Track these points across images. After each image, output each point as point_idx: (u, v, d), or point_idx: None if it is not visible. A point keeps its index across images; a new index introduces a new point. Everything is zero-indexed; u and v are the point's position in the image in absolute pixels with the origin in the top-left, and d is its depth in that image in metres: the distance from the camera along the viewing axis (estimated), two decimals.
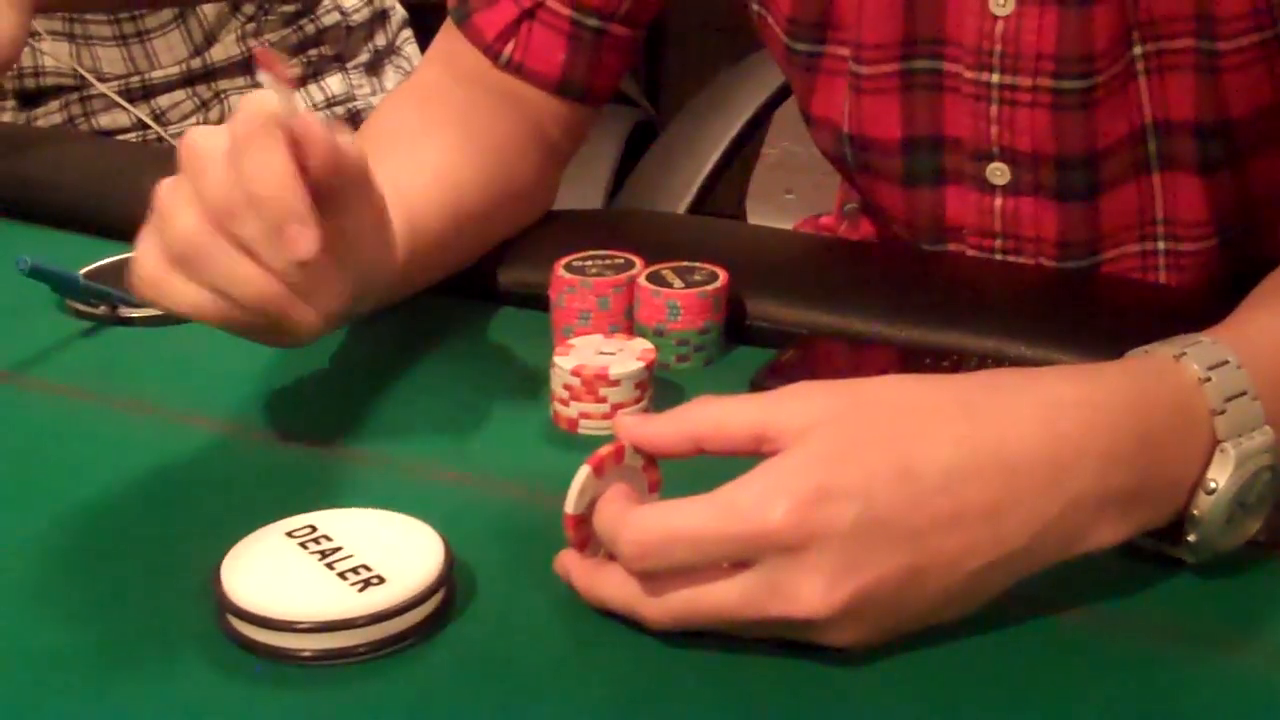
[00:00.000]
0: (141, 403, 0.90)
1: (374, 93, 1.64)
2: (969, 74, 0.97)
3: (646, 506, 0.67)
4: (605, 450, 0.70)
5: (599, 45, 1.06)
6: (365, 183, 0.78)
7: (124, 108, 1.54)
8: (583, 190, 1.17)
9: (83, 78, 1.54)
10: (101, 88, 1.52)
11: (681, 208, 1.30)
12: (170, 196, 0.75)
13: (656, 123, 1.54)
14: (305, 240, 0.72)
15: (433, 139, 0.99)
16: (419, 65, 1.12)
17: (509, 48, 1.06)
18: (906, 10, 0.98)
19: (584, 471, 0.69)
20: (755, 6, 1.07)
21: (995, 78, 0.96)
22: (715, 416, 0.69)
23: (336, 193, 0.76)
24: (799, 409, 0.67)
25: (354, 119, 1.59)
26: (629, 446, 0.71)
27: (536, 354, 0.93)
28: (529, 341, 0.96)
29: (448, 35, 1.10)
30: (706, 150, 1.35)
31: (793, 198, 1.49)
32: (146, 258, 0.75)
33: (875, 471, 0.64)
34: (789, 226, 1.28)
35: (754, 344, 0.95)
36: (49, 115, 1.56)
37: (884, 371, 0.86)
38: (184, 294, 0.75)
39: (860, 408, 0.67)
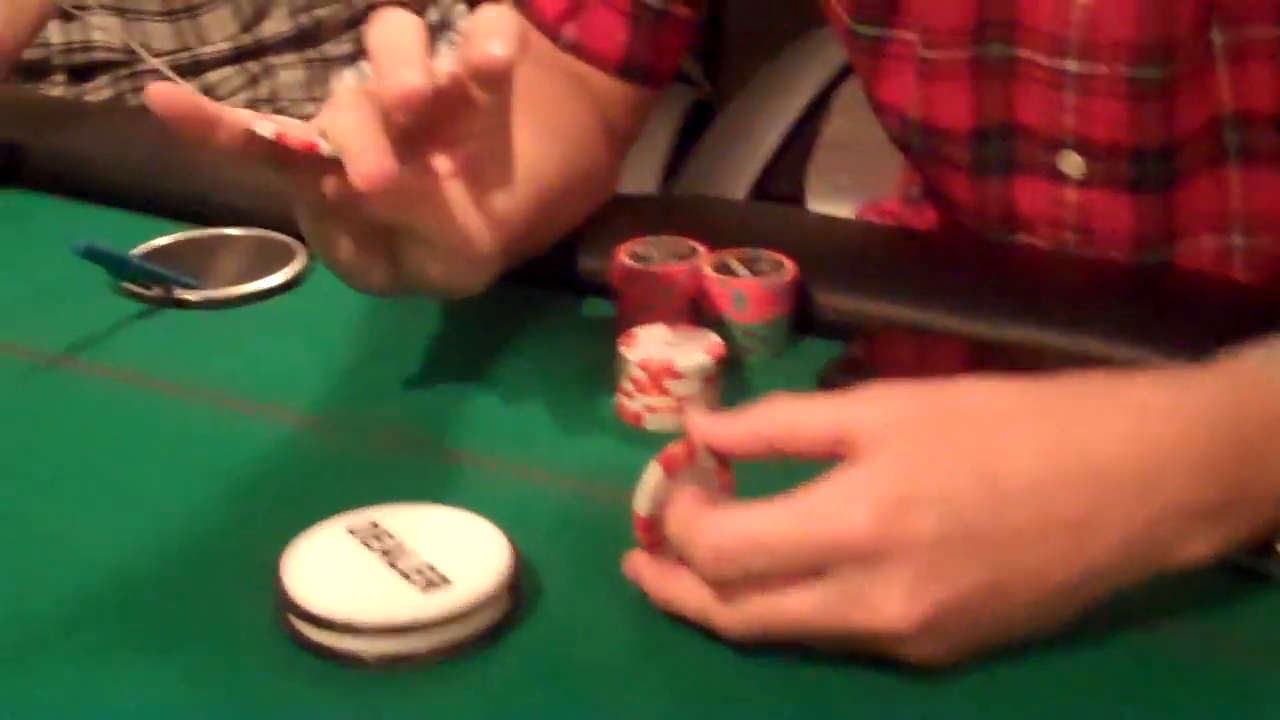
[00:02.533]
0: (197, 389, 0.89)
1: None
2: (1044, 61, 0.95)
3: (721, 511, 0.65)
4: (677, 449, 0.68)
5: (660, 26, 1.04)
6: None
7: (174, 82, 1.52)
8: (638, 172, 1.15)
9: (132, 53, 1.53)
10: (155, 62, 1.50)
11: (741, 191, 1.27)
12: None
13: (715, 101, 1.51)
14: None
15: (515, 122, 0.96)
16: None
17: (570, 28, 1.04)
18: None
19: (655, 471, 0.67)
20: None
21: (1072, 65, 0.93)
22: (790, 418, 0.67)
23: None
24: (878, 412, 0.65)
25: None
26: (701, 446, 0.68)
27: (599, 343, 0.91)
28: (591, 329, 0.94)
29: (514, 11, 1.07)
30: (767, 131, 1.32)
31: (850, 178, 1.46)
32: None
33: (958, 480, 0.62)
34: (849, 209, 1.25)
35: (821, 336, 0.93)
36: (98, 91, 1.54)
37: (955, 367, 0.84)
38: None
39: (942, 412, 0.65)
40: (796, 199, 1.51)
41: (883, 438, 0.64)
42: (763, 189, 1.33)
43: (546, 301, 0.98)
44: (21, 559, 0.74)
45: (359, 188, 0.70)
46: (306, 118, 1.50)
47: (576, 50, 1.04)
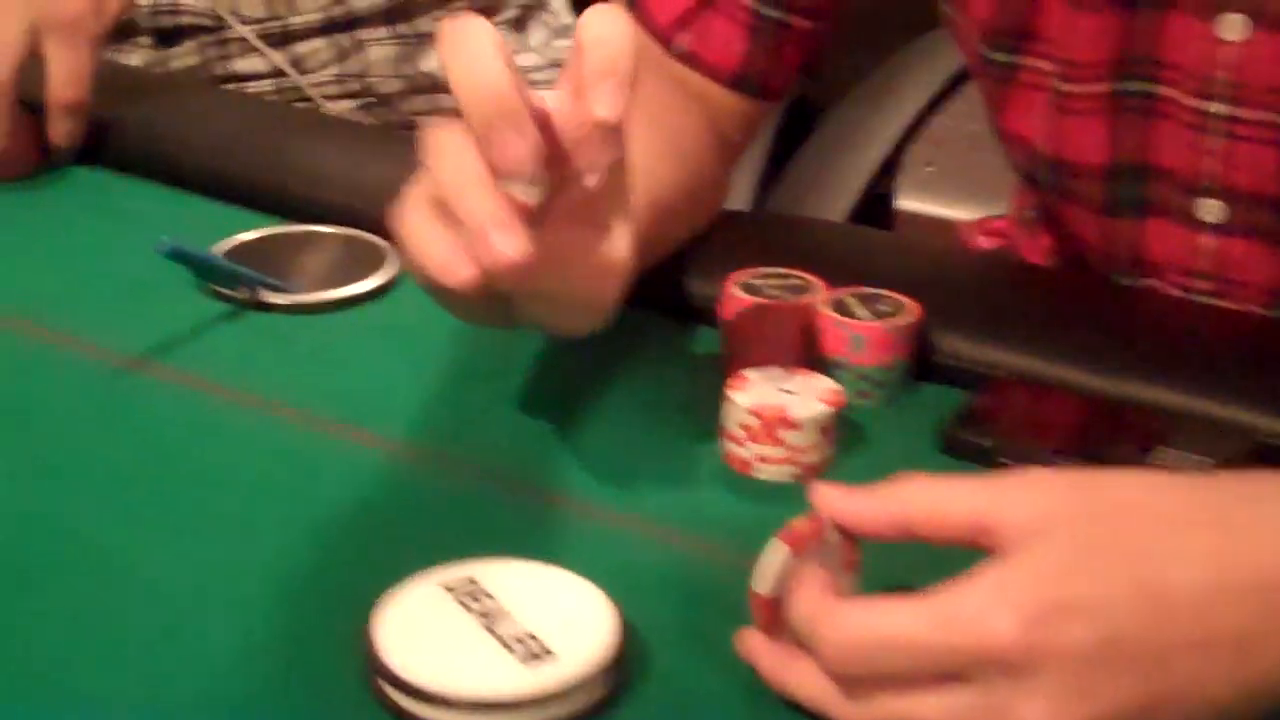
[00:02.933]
0: (281, 403, 0.85)
1: (519, 50, 1.57)
2: (1188, 101, 0.89)
3: (851, 604, 0.60)
4: (803, 527, 0.63)
5: (780, 38, 0.99)
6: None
7: (262, 52, 1.48)
8: (734, 177, 1.09)
9: (220, 19, 1.48)
10: (242, 30, 1.45)
11: (847, 203, 1.22)
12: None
13: (816, 100, 1.45)
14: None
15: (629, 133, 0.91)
16: None
17: (683, 37, 0.99)
18: (1123, 27, 0.90)
19: (779, 549, 0.63)
20: (945, 6, 0.99)
21: (1218, 108, 0.88)
22: (930, 501, 0.62)
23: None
24: (1029, 503, 0.60)
25: None
26: (829, 523, 0.64)
27: (705, 377, 0.87)
28: (695, 361, 0.90)
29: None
30: (875, 140, 1.27)
31: (933, 170, 1.41)
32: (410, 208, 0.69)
33: (1116, 587, 0.57)
34: (934, 203, 1.20)
35: (939, 381, 0.88)
36: (184, 56, 1.50)
37: (1084, 426, 0.79)
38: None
39: (1099, 508, 0.60)
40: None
41: (1033, 533, 0.59)
42: (870, 201, 1.28)
43: (647, 325, 0.94)
44: (88, 586, 0.71)
45: (497, 269, 0.64)
46: (391, 95, 1.47)
47: (690, 60, 0.99)
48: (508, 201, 0.64)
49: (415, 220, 0.68)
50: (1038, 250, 1.14)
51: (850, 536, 0.65)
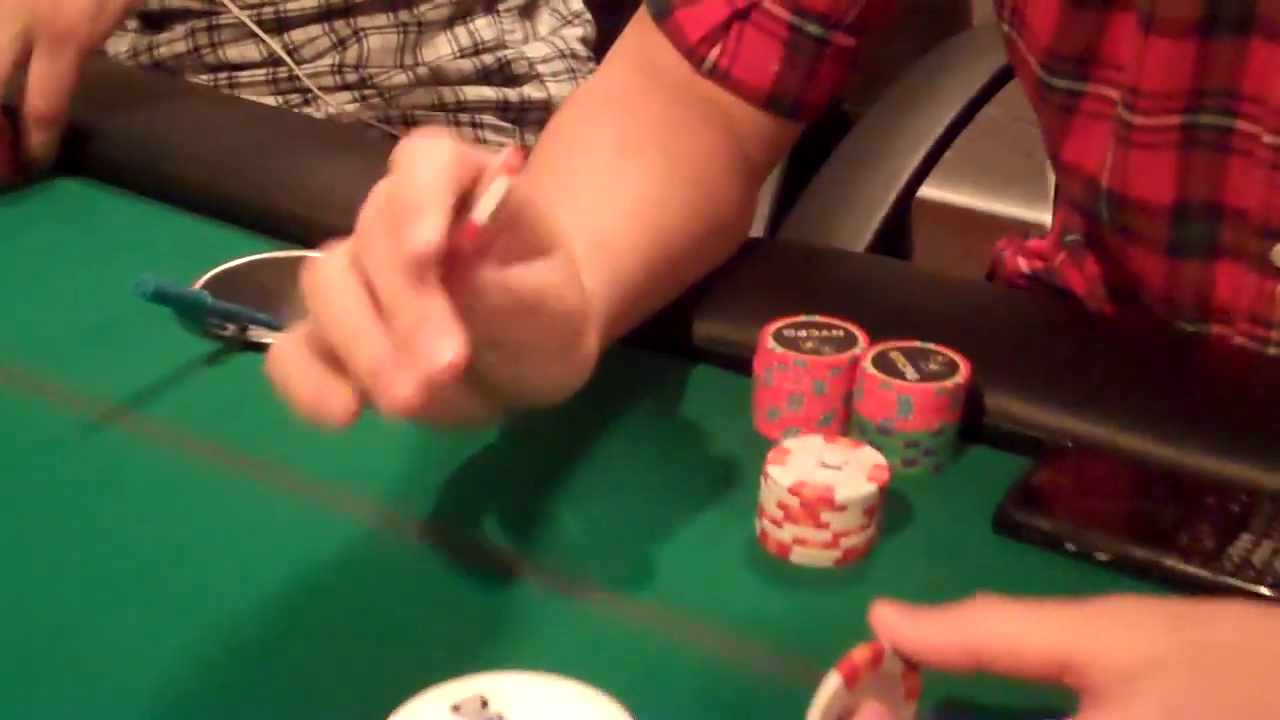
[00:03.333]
0: (271, 464, 0.77)
1: (526, 39, 1.48)
2: (1267, 138, 0.81)
3: None
4: (861, 656, 0.56)
5: (818, 55, 0.91)
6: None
7: (260, 38, 1.39)
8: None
9: (212, 3, 1.39)
10: (237, 12, 1.37)
11: (878, 215, 1.14)
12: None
13: (843, 104, 1.37)
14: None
15: (633, 165, 0.84)
16: (607, 61, 0.96)
17: (715, 52, 0.91)
18: (1200, 55, 0.81)
19: (833, 682, 0.56)
20: (1005, 27, 0.91)
21: None
22: (1007, 632, 0.55)
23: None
24: (1121, 643, 0.53)
25: (502, 69, 1.44)
26: (890, 649, 0.56)
27: (735, 436, 0.80)
28: (725, 417, 0.82)
29: (642, 30, 0.94)
30: (908, 148, 1.19)
31: (948, 155, 1.32)
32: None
33: None
34: (955, 196, 1.12)
35: (989, 444, 0.80)
36: (173, 42, 1.42)
37: (1155, 506, 0.72)
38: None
39: (1200, 651, 0.53)
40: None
41: (1126, 678, 0.52)
42: (903, 209, 1.20)
43: (669, 372, 0.86)
44: (46, 680, 0.63)
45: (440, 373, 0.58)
46: (394, 89, 1.39)
47: (720, 76, 0.91)
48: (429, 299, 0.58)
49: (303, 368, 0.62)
50: (1083, 280, 1.06)
51: (913, 664, 0.57)
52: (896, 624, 0.57)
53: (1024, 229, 2.41)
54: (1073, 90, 0.88)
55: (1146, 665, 0.53)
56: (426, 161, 0.60)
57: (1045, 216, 2.43)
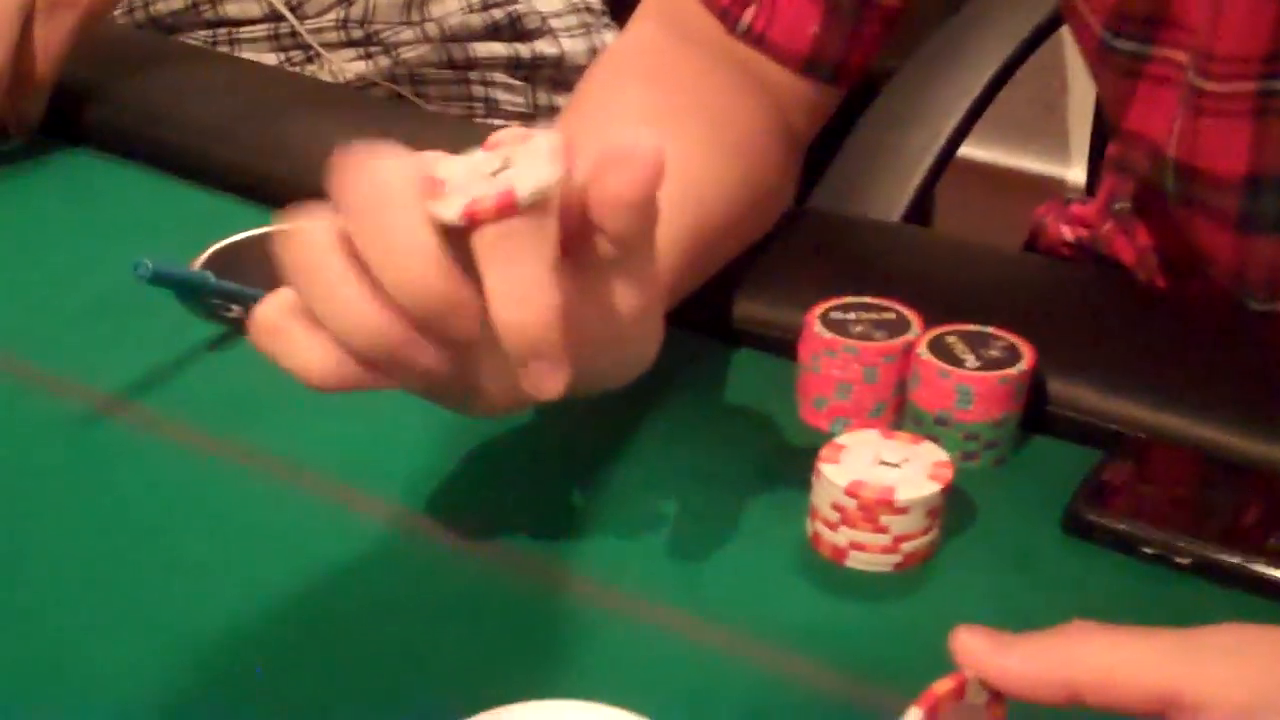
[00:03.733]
0: (277, 458, 0.72)
1: None
2: None
3: None
4: (943, 688, 0.51)
5: (860, 16, 0.85)
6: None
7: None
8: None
9: None
10: None
11: (915, 180, 1.08)
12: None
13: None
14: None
15: (672, 135, 0.77)
16: (635, 20, 0.90)
17: (750, 14, 0.85)
18: (1278, 15, 0.75)
19: (913, 718, 0.50)
20: None
21: None
22: (1106, 663, 0.50)
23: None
24: (1233, 678, 0.48)
25: (513, 24, 1.37)
26: (974, 680, 0.51)
27: (779, 427, 0.75)
28: (768, 405, 0.76)
29: None
30: (946, 109, 1.12)
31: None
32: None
33: None
34: (984, 153, 1.06)
35: (1053, 434, 0.74)
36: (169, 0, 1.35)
37: (1239, 505, 0.67)
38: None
39: None
40: None
41: (1248, 715, 0.46)
42: (938, 178, 1.14)
43: (708, 355, 0.80)
44: (45, 682, 0.58)
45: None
46: (400, 45, 1.32)
47: (755, 40, 0.85)
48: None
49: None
50: (1132, 250, 1.00)
51: (999, 695, 0.52)
52: (983, 654, 0.51)
53: (1046, 185, 2.36)
54: (1138, 54, 0.82)
55: (1260, 703, 0.47)
56: (534, 287, 0.56)
57: (1065, 172, 2.38)
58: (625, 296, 0.60)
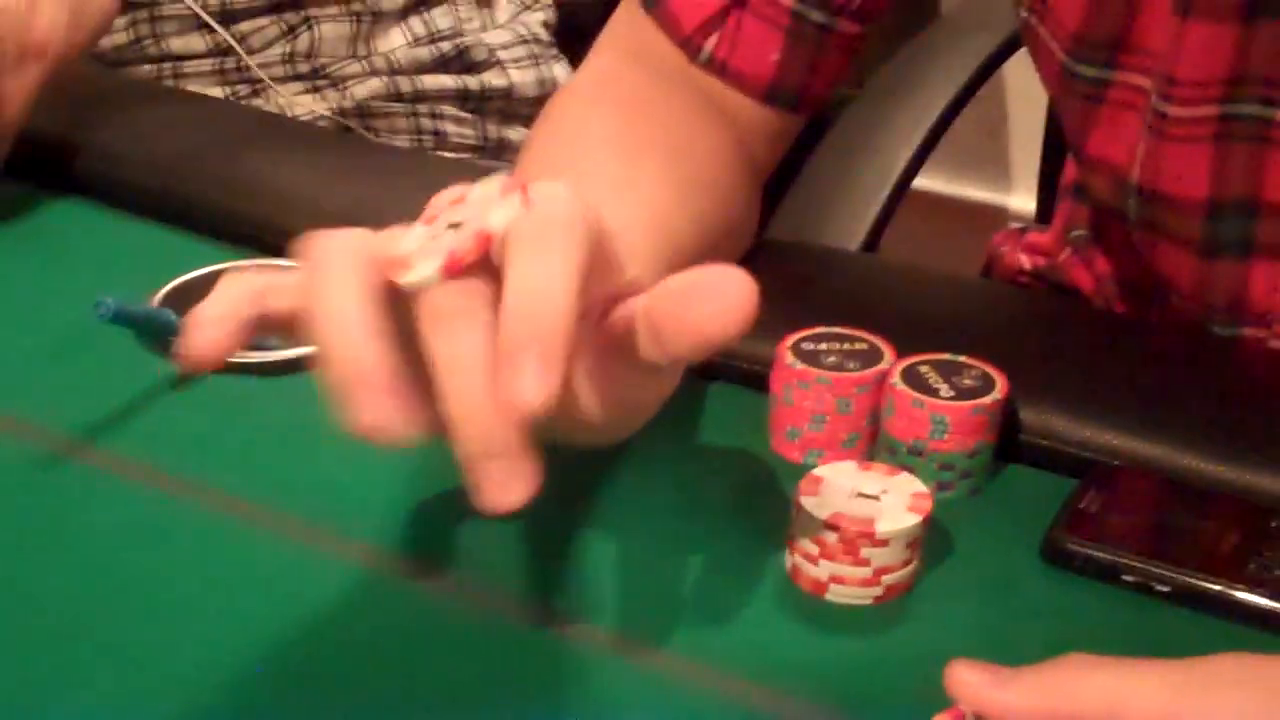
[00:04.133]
0: (250, 503, 0.71)
1: (483, 27, 1.42)
2: None
3: None
4: None
5: (822, 44, 0.85)
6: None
7: (206, 27, 1.31)
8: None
9: None
10: (190, 4, 1.29)
11: (873, 210, 1.08)
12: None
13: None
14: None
15: (640, 171, 0.76)
16: (595, 52, 0.90)
17: (711, 42, 0.85)
18: (1240, 40, 0.76)
19: None
20: (1024, 13, 0.85)
21: None
22: (1106, 696, 0.50)
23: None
24: (1237, 710, 0.49)
25: (461, 56, 1.37)
26: (971, 716, 0.50)
27: (753, 459, 0.74)
28: (740, 438, 0.76)
29: (631, 18, 0.88)
30: (900, 140, 1.12)
31: None
32: None
33: None
34: (938, 185, 1.06)
35: (1026, 463, 0.74)
36: (114, 34, 1.34)
37: (1218, 531, 0.67)
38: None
39: None
40: None
41: None
42: (895, 206, 1.14)
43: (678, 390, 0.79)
44: None
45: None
46: (348, 79, 1.31)
47: (720, 70, 0.85)
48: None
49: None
50: (1091, 277, 1.00)
51: None
52: (981, 689, 0.51)
53: (989, 213, 2.37)
54: (1101, 79, 0.82)
55: None
56: (557, 277, 0.52)
57: (1008, 200, 2.38)
58: (648, 388, 0.58)
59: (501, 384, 0.50)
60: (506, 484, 0.51)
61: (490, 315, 0.51)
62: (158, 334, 0.78)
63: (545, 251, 0.52)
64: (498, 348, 0.51)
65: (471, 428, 0.51)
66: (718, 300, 0.52)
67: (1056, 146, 1.06)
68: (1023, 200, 2.30)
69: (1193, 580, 0.66)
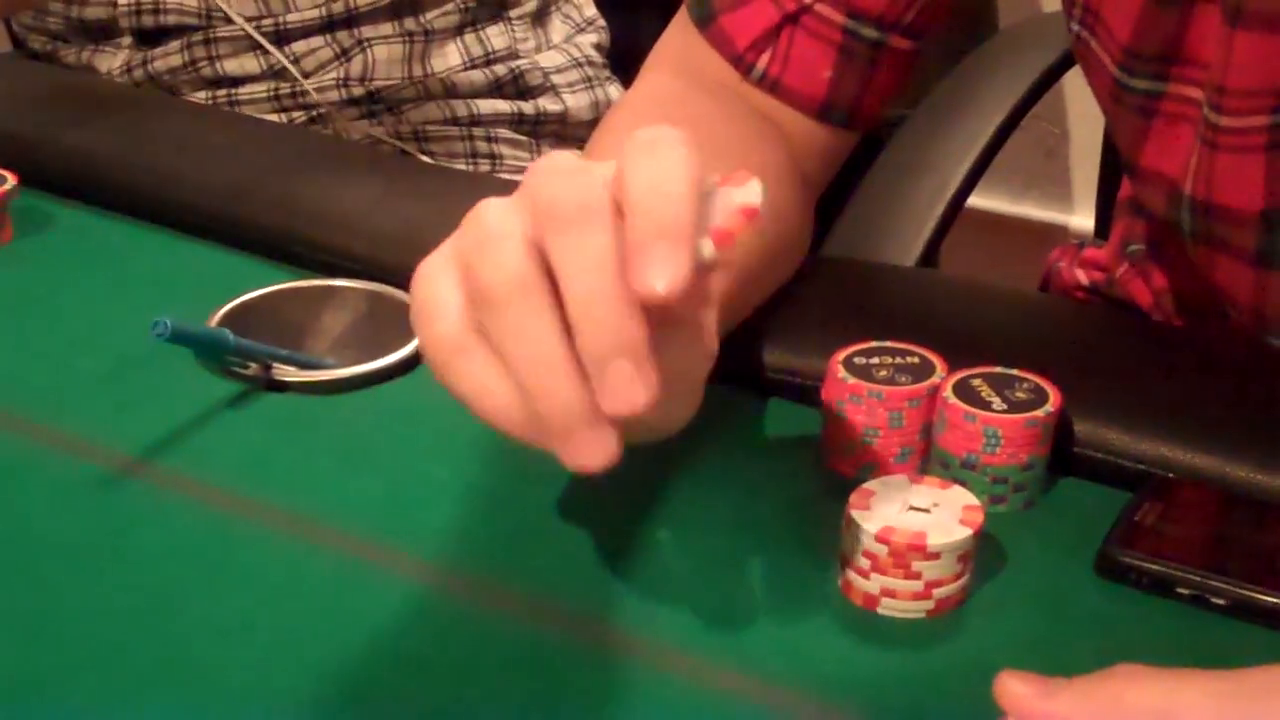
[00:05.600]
0: (303, 518, 0.71)
1: (539, 47, 1.42)
2: None
3: None
4: None
5: (874, 60, 0.85)
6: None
7: (260, 48, 1.32)
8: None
9: (208, 15, 1.33)
10: (242, 23, 1.31)
11: (927, 228, 1.08)
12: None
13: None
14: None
15: None
16: (648, 69, 0.90)
17: (764, 59, 0.85)
18: None
19: None
20: (1075, 26, 0.85)
21: None
22: (1155, 707, 0.50)
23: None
24: None
25: (516, 81, 1.37)
26: None
27: (805, 474, 0.74)
28: (793, 452, 0.76)
29: (684, 35, 0.88)
30: (954, 157, 1.12)
31: None
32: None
33: None
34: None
35: (1080, 476, 0.74)
36: (168, 56, 1.35)
37: (1276, 540, 0.66)
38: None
39: None
40: None
41: None
42: (948, 227, 1.14)
43: (731, 404, 0.79)
44: None
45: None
46: (403, 104, 1.32)
47: (772, 87, 0.85)
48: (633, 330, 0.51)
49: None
50: (1149, 291, 1.00)
51: None
52: (1030, 699, 0.50)
53: (1049, 232, 2.36)
54: (1152, 91, 0.82)
55: None
56: (675, 172, 0.53)
57: (1067, 219, 2.37)
58: (688, 354, 0.58)
59: (633, 276, 0.51)
60: (630, 388, 0.51)
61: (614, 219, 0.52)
62: (215, 354, 0.79)
63: (662, 152, 0.53)
64: (625, 243, 0.51)
65: (602, 324, 0.51)
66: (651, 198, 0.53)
67: (1114, 162, 1.06)
68: (1084, 219, 2.29)
69: (1248, 593, 0.65)
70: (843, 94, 0.85)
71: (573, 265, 0.52)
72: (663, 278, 0.51)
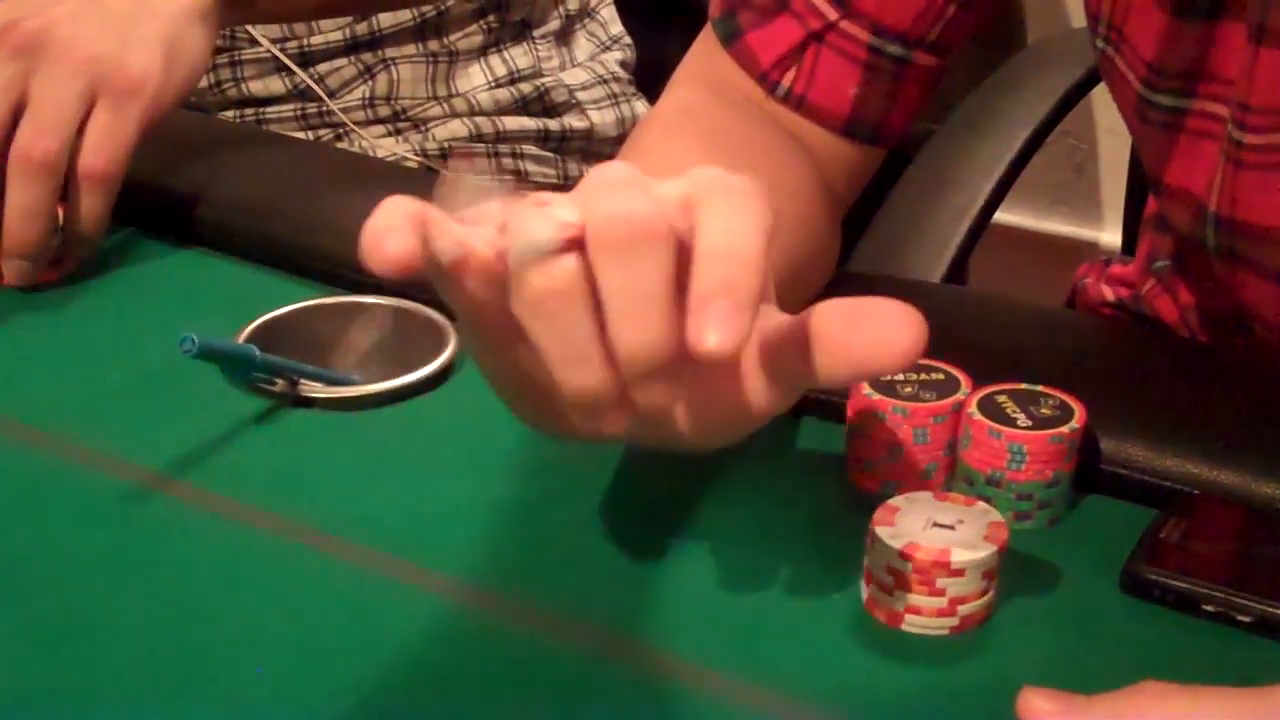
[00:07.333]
0: (331, 535, 0.71)
1: (563, 66, 1.43)
2: None
3: None
4: None
5: (900, 77, 0.85)
6: None
7: (285, 69, 1.33)
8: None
9: (233, 37, 1.34)
10: (268, 45, 1.31)
11: (953, 244, 1.08)
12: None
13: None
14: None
15: None
16: (675, 85, 0.90)
17: (789, 77, 0.85)
18: None
19: None
20: (1100, 43, 0.85)
21: None
22: None
23: None
24: None
25: (541, 98, 1.38)
26: None
27: (829, 490, 0.74)
28: (816, 468, 0.76)
29: (709, 52, 0.88)
30: (980, 174, 1.12)
31: None
32: None
33: None
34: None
35: (1105, 493, 0.74)
36: None
37: None
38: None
39: None
40: None
41: None
42: (973, 245, 1.14)
43: None
44: None
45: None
46: (429, 121, 1.33)
47: (798, 104, 0.85)
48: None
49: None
50: (1175, 308, 1.00)
51: None
52: (1054, 716, 0.50)
53: (1078, 248, 2.36)
54: (1177, 108, 0.82)
55: None
56: (752, 228, 0.53)
57: (1096, 235, 2.37)
58: (756, 402, 0.58)
59: (690, 328, 0.51)
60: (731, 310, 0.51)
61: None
62: (242, 370, 0.79)
63: (741, 205, 0.53)
64: (690, 293, 0.51)
65: (645, 358, 0.52)
66: (887, 329, 0.52)
67: (1142, 178, 1.06)
68: (1113, 235, 2.29)
69: (1274, 610, 0.65)
70: (868, 110, 0.85)
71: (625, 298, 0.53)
72: (717, 334, 0.50)
